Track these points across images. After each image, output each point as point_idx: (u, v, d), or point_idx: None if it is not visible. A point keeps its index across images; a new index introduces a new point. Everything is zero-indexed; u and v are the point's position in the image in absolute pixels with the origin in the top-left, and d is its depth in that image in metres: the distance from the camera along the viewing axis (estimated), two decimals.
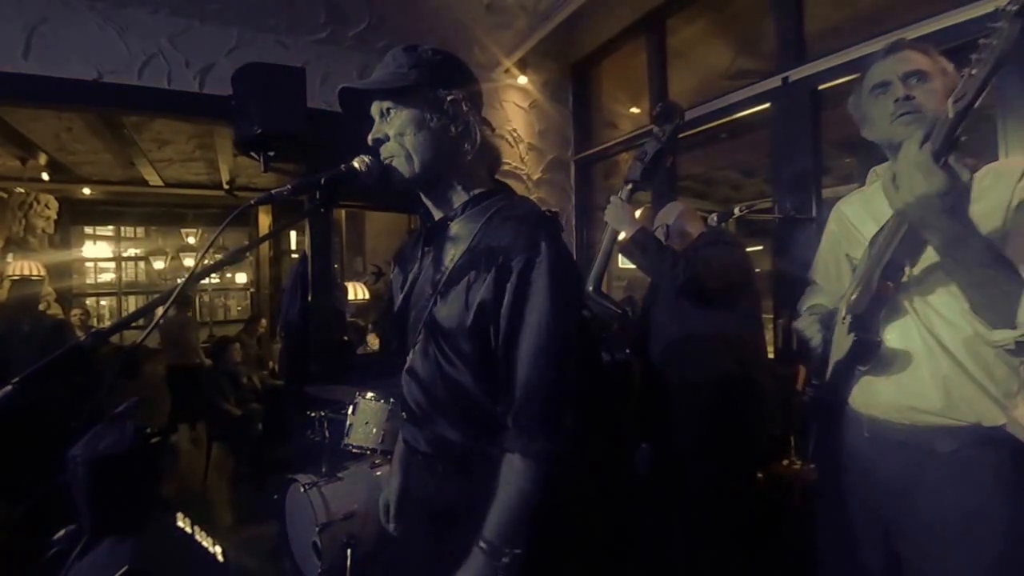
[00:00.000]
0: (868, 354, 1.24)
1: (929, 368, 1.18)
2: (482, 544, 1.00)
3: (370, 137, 1.12)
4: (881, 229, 1.23)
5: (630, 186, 2.12)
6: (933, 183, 0.96)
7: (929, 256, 1.17)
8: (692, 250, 2.20)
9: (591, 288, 2.08)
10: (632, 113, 4.24)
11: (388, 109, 1.11)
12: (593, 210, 4.42)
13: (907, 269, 1.20)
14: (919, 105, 1.19)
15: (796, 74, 2.72)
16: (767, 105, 2.89)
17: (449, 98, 1.08)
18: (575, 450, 1.04)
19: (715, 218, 2.30)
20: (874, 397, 1.27)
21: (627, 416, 2.23)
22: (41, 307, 5.51)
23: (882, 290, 1.20)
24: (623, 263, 4.52)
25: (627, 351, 2.29)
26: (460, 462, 1.12)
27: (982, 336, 1.08)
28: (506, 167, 4.10)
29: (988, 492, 1.12)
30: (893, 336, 1.23)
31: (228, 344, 5.12)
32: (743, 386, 2.10)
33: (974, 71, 0.95)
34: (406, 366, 1.21)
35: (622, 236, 2.12)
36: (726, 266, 2.11)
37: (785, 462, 2.29)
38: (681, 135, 3.11)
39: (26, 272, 5.69)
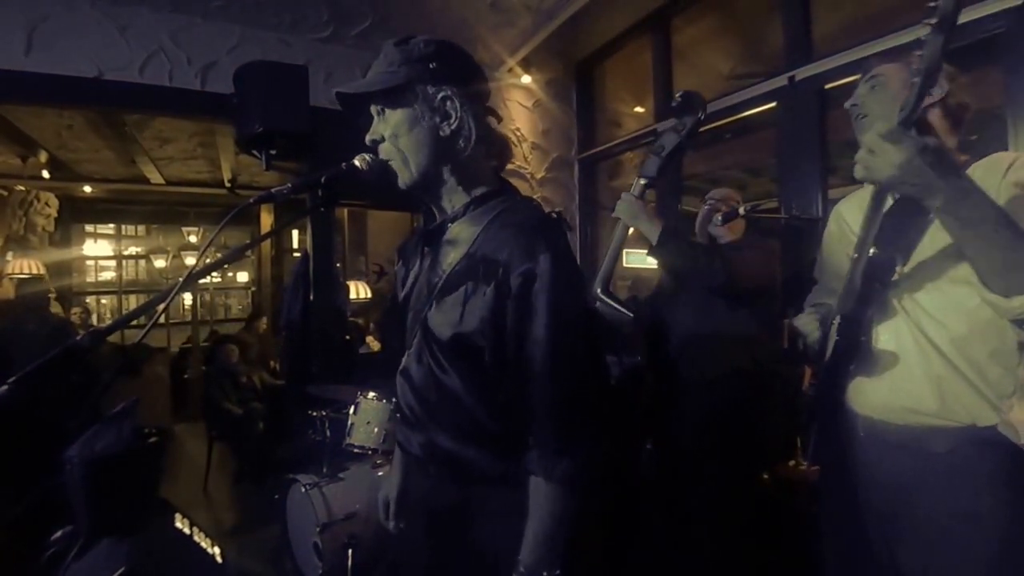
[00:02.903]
0: (853, 353, 1.25)
1: (922, 368, 1.18)
2: (521, 569, 0.99)
3: (368, 138, 1.11)
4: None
5: (644, 181, 1.98)
6: (907, 146, 0.96)
7: (920, 254, 1.18)
8: (727, 250, 2.16)
9: (599, 289, 2.01)
10: (636, 112, 4.23)
11: (382, 109, 1.09)
12: (597, 209, 4.41)
13: (898, 268, 1.20)
14: (865, 109, 1.32)
15: (802, 73, 2.70)
16: (773, 104, 2.87)
17: (441, 95, 1.05)
18: (598, 464, 1.03)
19: (720, 218, 2.27)
20: (869, 397, 1.27)
21: (636, 420, 2.21)
22: None
23: (867, 290, 1.21)
24: (628, 262, 4.51)
25: (637, 356, 2.26)
26: (451, 467, 1.11)
27: (997, 307, 1.06)
28: (510, 166, 4.08)
29: (983, 492, 1.12)
30: (885, 337, 1.24)
31: (225, 343, 5.12)
32: (765, 386, 2.08)
33: (915, 80, 1.00)
34: (400, 368, 1.19)
35: (631, 234, 2.07)
36: (763, 269, 2.08)
37: (791, 463, 2.28)
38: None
39: (26, 271, 5.68)
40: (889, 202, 1.23)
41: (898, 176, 0.98)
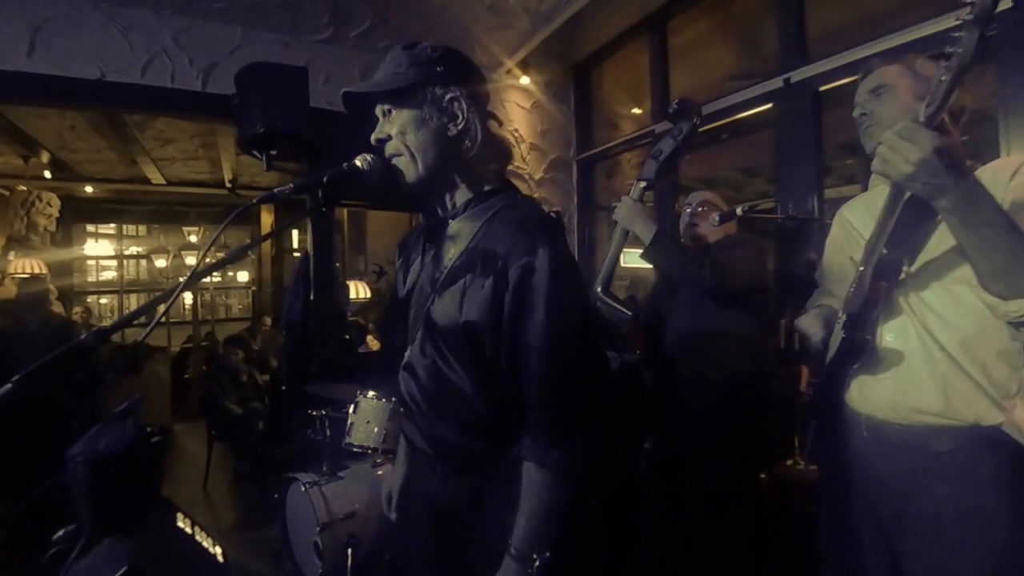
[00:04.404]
0: (857, 353, 1.26)
1: (927, 368, 1.18)
2: (512, 551, 1.02)
3: (373, 137, 1.12)
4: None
5: (643, 184, 2.06)
6: (926, 143, 0.97)
7: (927, 254, 1.18)
8: (716, 250, 2.18)
9: (599, 289, 2.04)
10: (634, 114, 4.24)
11: (389, 110, 1.11)
12: (595, 210, 4.43)
13: (904, 268, 1.21)
14: (876, 118, 1.31)
15: (798, 75, 2.71)
16: (769, 106, 2.89)
17: (448, 96, 1.08)
18: (591, 455, 1.05)
19: (717, 218, 2.28)
20: (873, 397, 1.27)
21: (634, 418, 2.22)
22: None
23: (875, 290, 1.21)
24: (625, 262, 4.51)
25: (636, 352, 2.27)
26: (457, 459, 1.13)
27: (994, 310, 1.07)
28: (508, 167, 4.09)
29: (986, 491, 1.12)
30: (891, 336, 1.24)
31: (233, 344, 5.12)
32: (762, 385, 2.10)
33: (943, 78, 1.02)
34: (404, 362, 1.21)
35: (635, 236, 2.09)
36: (753, 268, 2.10)
37: (790, 462, 2.28)
38: None
39: (27, 270, 5.69)
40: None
41: (913, 174, 0.99)
